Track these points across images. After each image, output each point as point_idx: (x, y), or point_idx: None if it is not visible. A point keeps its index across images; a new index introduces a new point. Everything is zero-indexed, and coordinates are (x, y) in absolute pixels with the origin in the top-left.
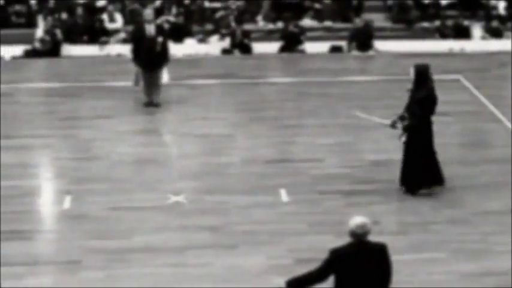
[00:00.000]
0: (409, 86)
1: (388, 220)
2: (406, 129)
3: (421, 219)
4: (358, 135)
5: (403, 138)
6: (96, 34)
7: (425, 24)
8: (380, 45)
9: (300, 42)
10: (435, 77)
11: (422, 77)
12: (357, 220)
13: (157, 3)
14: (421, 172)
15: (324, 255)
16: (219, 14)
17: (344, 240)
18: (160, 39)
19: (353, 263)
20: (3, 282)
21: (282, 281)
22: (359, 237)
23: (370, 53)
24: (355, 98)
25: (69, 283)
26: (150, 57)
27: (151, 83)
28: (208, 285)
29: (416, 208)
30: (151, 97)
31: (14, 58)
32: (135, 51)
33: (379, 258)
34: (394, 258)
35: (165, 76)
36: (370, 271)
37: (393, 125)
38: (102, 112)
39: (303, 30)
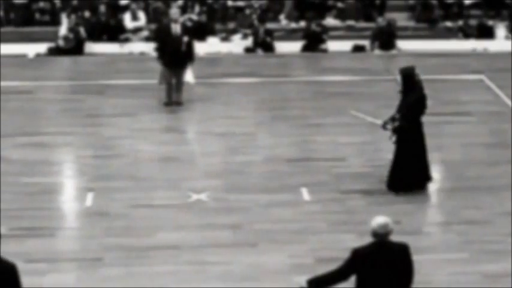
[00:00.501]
0: (399, 88)
1: (410, 220)
2: (395, 130)
3: (442, 219)
4: (381, 135)
5: (393, 139)
6: (116, 32)
7: (449, 24)
8: (403, 44)
9: (322, 41)
10: (458, 76)
11: (410, 80)
12: (378, 220)
13: (180, 1)
14: (411, 173)
15: (345, 254)
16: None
17: (365, 239)
18: (185, 38)
19: (375, 262)
20: (25, 279)
21: (302, 279)
22: (381, 237)
23: (393, 52)
24: (377, 97)
25: (90, 280)
26: (175, 56)
27: (174, 81)
28: (228, 283)
29: (438, 208)
30: (172, 96)
31: (38, 56)
32: (160, 49)
33: (400, 258)
34: (415, 258)
35: (190, 75)
36: (391, 271)
37: (384, 126)
38: (124, 110)
39: (326, 29)
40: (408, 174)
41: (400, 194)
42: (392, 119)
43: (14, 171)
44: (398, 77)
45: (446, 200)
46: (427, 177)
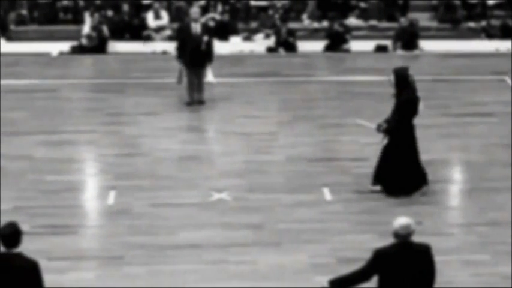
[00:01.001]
0: (392, 91)
1: (432, 221)
2: (385, 131)
3: (464, 220)
4: None
5: (385, 141)
6: (139, 31)
7: (472, 24)
8: (425, 44)
9: (345, 41)
10: (481, 77)
11: (403, 81)
12: (401, 221)
13: (203, 1)
14: (403, 176)
15: (366, 254)
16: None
17: (387, 240)
18: (206, 37)
19: (397, 263)
20: (46, 276)
21: (324, 279)
22: (403, 238)
23: (415, 52)
24: None
25: (111, 278)
26: (195, 56)
27: (195, 81)
28: (250, 283)
29: (460, 209)
30: (194, 96)
31: (61, 54)
32: (180, 49)
33: (422, 259)
34: (437, 259)
35: (210, 75)
36: (413, 272)
37: (378, 128)
38: (146, 109)
39: (348, 29)
40: (401, 177)
41: (399, 197)
42: (387, 122)
43: (37, 169)
44: (392, 77)
45: (467, 201)
46: (424, 181)
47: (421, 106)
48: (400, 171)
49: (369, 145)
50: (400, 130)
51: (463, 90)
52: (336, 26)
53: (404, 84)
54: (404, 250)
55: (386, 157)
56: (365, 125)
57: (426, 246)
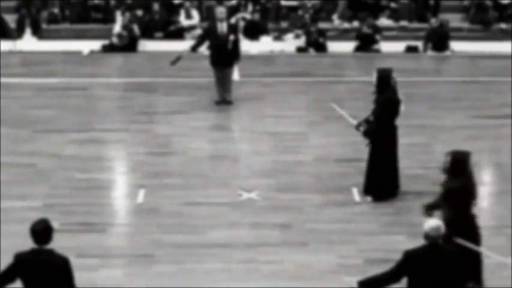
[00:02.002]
0: (372, 89)
1: None
2: (365, 134)
3: (494, 223)
4: (433, 136)
5: (367, 143)
6: (170, 30)
7: (503, 26)
8: (457, 46)
9: (375, 42)
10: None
11: (385, 82)
12: (431, 222)
13: (234, 1)
14: (385, 179)
15: (395, 256)
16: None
17: (416, 241)
18: (232, 37)
19: (426, 265)
20: (76, 274)
21: (353, 280)
22: (433, 240)
23: (446, 53)
24: (429, 98)
25: (141, 276)
26: (221, 55)
27: (222, 80)
28: (278, 282)
29: (488, 211)
30: (222, 95)
31: (92, 53)
32: (199, 44)
33: (452, 262)
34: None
35: (235, 74)
36: (443, 274)
37: (358, 127)
38: (177, 107)
39: (378, 29)
40: (381, 180)
41: (379, 201)
42: (367, 121)
43: (67, 167)
44: (374, 76)
45: (497, 203)
46: (396, 186)
47: (402, 108)
48: (385, 175)
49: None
50: (381, 132)
51: (494, 92)
52: (365, 28)
53: (385, 86)
54: (434, 252)
55: (372, 164)
56: (345, 116)
57: (456, 248)
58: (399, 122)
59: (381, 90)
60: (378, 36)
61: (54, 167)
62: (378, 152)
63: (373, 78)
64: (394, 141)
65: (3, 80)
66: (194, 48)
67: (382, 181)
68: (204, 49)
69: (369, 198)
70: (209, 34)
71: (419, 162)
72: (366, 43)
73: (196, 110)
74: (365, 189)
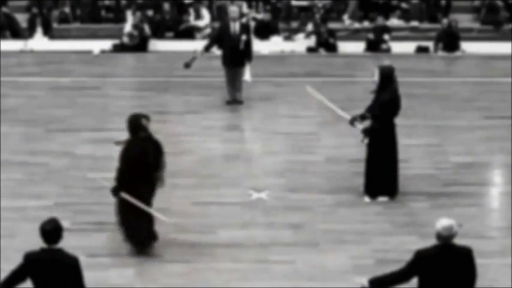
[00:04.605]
0: (373, 87)
1: (474, 223)
2: (366, 132)
3: (506, 223)
4: (446, 137)
5: (366, 141)
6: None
7: None
8: (467, 46)
9: (383, 41)
10: None
11: (387, 80)
12: (443, 222)
13: (244, 0)
14: (383, 178)
15: (407, 256)
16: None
17: (428, 242)
18: (244, 37)
19: (438, 265)
20: (87, 273)
21: (364, 280)
22: (445, 240)
23: (457, 54)
24: (441, 98)
25: (152, 275)
26: (233, 55)
27: (233, 80)
28: (290, 282)
29: (502, 212)
30: (233, 95)
31: (103, 52)
32: (211, 44)
33: (464, 262)
34: (478, 261)
35: (247, 74)
36: (454, 274)
37: (352, 122)
38: (188, 107)
39: (386, 29)
40: (381, 178)
41: (376, 200)
42: (362, 117)
43: (80, 166)
44: (376, 75)
45: (509, 203)
46: (396, 186)
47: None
48: (379, 172)
49: (411, 147)
50: (381, 130)
51: (506, 93)
52: (370, 36)
53: (386, 83)
54: (445, 252)
55: (371, 164)
56: (334, 109)
57: (468, 249)
58: (409, 122)
59: (383, 88)
60: (386, 36)
61: (67, 166)
62: (378, 151)
63: (375, 76)
64: (393, 139)
65: (17, 79)
66: (207, 48)
67: (380, 181)
68: (215, 49)
69: (366, 199)
70: (222, 34)
71: (432, 162)
72: (375, 43)
73: (208, 110)
74: (366, 190)
